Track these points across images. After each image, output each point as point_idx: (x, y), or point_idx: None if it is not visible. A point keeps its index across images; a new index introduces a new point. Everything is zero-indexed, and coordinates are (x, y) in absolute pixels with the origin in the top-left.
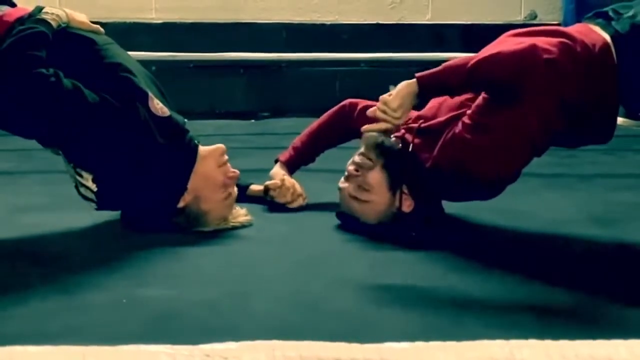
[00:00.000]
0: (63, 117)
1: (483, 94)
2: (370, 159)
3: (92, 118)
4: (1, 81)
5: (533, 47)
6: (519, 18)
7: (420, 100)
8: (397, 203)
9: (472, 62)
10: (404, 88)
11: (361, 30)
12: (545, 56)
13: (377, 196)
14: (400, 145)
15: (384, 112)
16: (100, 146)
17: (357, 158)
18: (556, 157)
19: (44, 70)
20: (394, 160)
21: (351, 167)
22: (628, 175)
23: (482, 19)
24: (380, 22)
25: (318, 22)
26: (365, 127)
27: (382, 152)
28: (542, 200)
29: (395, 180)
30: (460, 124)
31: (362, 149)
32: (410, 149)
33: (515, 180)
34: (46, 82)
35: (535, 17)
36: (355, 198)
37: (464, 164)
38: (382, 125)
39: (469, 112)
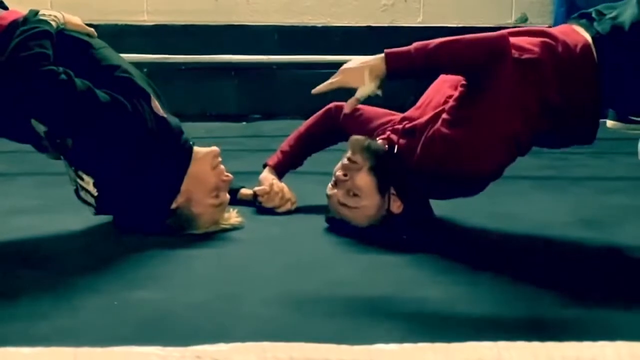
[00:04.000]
0: (73, 116)
1: (459, 88)
2: (357, 162)
3: (102, 117)
4: (11, 81)
5: (501, 35)
6: (510, 21)
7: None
8: (386, 205)
9: (435, 42)
10: (370, 65)
11: (353, 32)
12: (526, 55)
13: (366, 200)
14: (387, 147)
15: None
16: (106, 146)
17: (344, 162)
18: (547, 160)
19: (54, 68)
20: (381, 162)
21: (339, 173)
22: (618, 178)
23: (474, 22)
24: (372, 24)
25: (310, 25)
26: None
27: (369, 155)
28: (533, 202)
29: (383, 182)
30: (440, 120)
31: (348, 153)
32: (395, 151)
33: (498, 177)
34: (57, 79)
35: (526, 20)
36: (345, 205)
37: (444, 159)
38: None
39: (446, 107)
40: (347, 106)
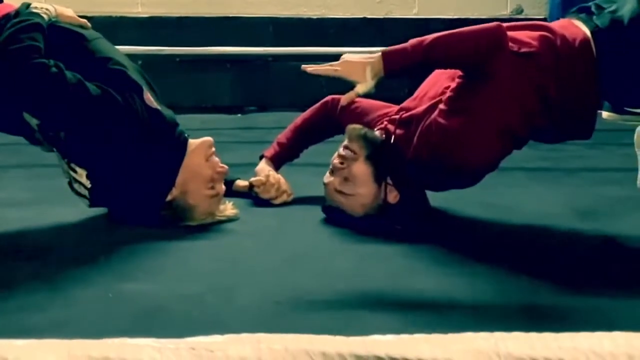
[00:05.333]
0: (64, 110)
1: (457, 79)
2: (353, 151)
3: (93, 111)
4: (1, 74)
5: (496, 26)
6: (505, 12)
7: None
8: (382, 195)
9: (430, 38)
10: (371, 62)
11: (348, 24)
12: (525, 49)
13: (362, 188)
14: (384, 136)
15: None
16: (98, 140)
17: (341, 151)
18: (542, 151)
19: (45, 61)
20: (378, 152)
21: (336, 160)
22: (613, 169)
23: (469, 14)
24: (367, 16)
25: (305, 17)
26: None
27: (366, 144)
28: (528, 193)
29: (380, 172)
30: (437, 110)
31: (345, 141)
32: (392, 141)
33: (494, 169)
34: (48, 72)
35: (522, 11)
36: (341, 192)
37: (440, 150)
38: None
39: (444, 97)
40: (344, 99)
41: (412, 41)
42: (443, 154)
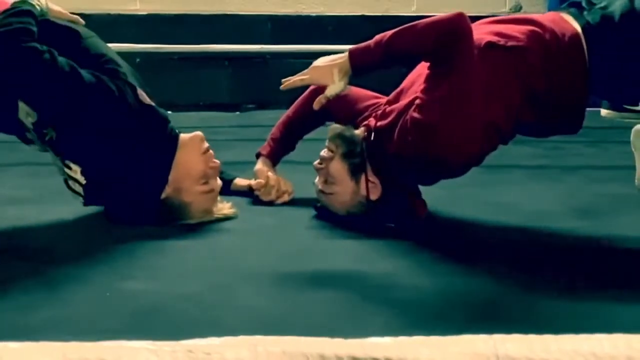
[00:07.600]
0: (56, 96)
1: (427, 71)
2: (331, 150)
3: (86, 98)
4: None
5: (456, 15)
6: (504, 10)
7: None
8: (363, 192)
9: (390, 32)
10: (338, 63)
11: (347, 22)
12: (512, 43)
13: (340, 187)
14: (366, 134)
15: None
16: (91, 130)
17: (321, 152)
18: (540, 149)
19: (37, 45)
20: (354, 149)
21: (316, 162)
22: (612, 167)
23: (467, 11)
24: (366, 13)
25: (303, 14)
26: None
27: (342, 142)
28: (526, 191)
29: (355, 169)
30: (414, 105)
31: (326, 142)
32: (372, 137)
33: (479, 163)
34: (39, 57)
35: (520, 8)
36: (323, 192)
37: (417, 144)
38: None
39: (419, 93)
40: (315, 104)
41: (377, 37)
42: (420, 148)
